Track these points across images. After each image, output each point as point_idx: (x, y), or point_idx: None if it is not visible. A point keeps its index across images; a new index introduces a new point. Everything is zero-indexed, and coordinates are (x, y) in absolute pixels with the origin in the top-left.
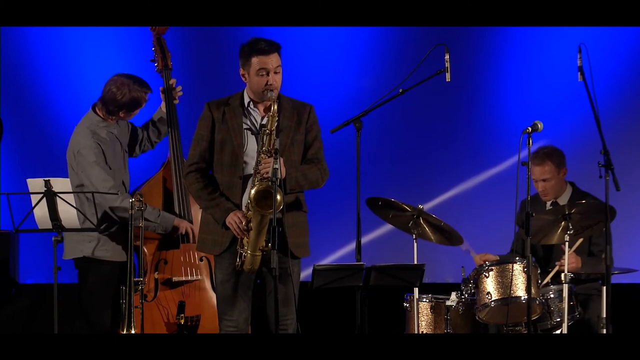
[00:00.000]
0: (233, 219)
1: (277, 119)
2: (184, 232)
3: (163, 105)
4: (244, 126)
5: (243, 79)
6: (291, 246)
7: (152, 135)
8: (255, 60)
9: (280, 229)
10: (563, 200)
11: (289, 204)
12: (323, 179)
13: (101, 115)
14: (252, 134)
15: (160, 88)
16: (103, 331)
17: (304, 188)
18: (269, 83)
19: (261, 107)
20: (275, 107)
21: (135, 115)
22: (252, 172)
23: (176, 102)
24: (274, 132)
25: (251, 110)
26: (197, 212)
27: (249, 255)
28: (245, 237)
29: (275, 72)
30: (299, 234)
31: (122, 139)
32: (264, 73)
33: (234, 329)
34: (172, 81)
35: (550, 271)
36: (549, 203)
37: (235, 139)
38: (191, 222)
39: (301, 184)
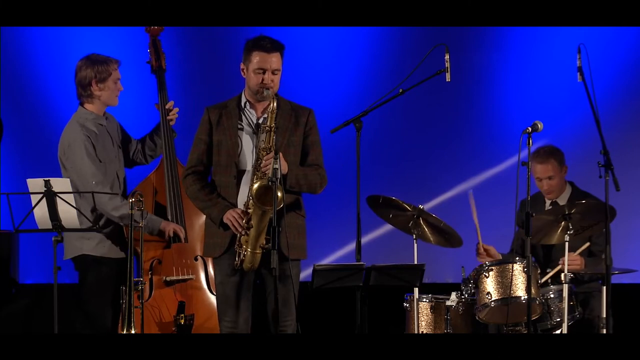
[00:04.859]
0: (232, 215)
1: (275, 115)
2: (171, 235)
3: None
4: (239, 126)
5: (242, 73)
6: (287, 247)
7: (148, 149)
8: (255, 56)
9: (281, 228)
10: (562, 199)
11: (288, 206)
12: (321, 185)
13: (88, 108)
14: (250, 133)
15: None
16: (104, 330)
17: (302, 189)
18: (264, 82)
19: (259, 108)
20: (275, 104)
21: (116, 93)
22: (246, 172)
23: (172, 123)
24: (274, 129)
25: (247, 111)
26: (190, 216)
27: (249, 253)
28: (244, 236)
29: (274, 73)
30: (296, 236)
31: (112, 133)
32: (261, 72)
33: (234, 330)
34: (170, 103)
35: (551, 271)
36: (548, 203)
37: (230, 139)
38: (184, 224)
39: (300, 183)
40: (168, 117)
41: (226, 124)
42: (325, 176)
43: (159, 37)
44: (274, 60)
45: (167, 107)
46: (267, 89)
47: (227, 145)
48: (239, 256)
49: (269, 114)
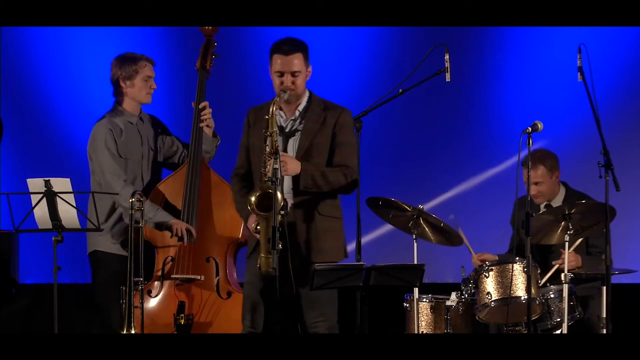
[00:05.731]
0: (252, 222)
1: (275, 120)
2: (179, 234)
3: (207, 129)
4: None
5: (271, 76)
6: (327, 250)
7: None
8: (276, 59)
9: (281, 229)
10: (557, 202)
11: (318, 209)
12: (349, 185)
13: (122, 106)
14: (280, 135)
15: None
16: (111, 328)
17: (323, 189)
18: (283, 84)
19: (286, 109)
20: (273, 109)
21: (147, 91)
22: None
23: (205, 124)
24: (274, 134)
25: (278, 113)
26: (204, 218)
27: (262, 257)
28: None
29: (294, 75)
30: (332, 238)
31: (144, 134)
32: (280, 74)
33: (252, 330)
34: (204, 104)
35: (549, 271)
36: (542, 205)
37: (261, 142)
38: (195, 225)
39: (319, 184)
40: (201, 117)
41: (258, 126)
42: (352, 175)
43: (214, 38)
44: (295, 62)
45: (200, 106)
46: (284, 91)
47: (258, 148)
48: (260, 259)
49: (267, 119)
